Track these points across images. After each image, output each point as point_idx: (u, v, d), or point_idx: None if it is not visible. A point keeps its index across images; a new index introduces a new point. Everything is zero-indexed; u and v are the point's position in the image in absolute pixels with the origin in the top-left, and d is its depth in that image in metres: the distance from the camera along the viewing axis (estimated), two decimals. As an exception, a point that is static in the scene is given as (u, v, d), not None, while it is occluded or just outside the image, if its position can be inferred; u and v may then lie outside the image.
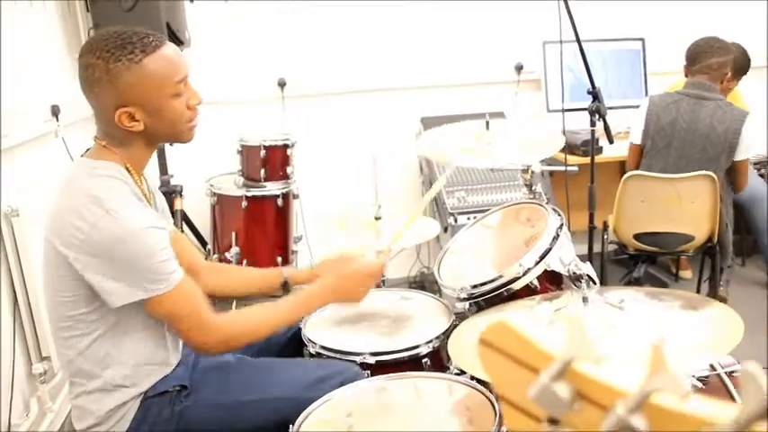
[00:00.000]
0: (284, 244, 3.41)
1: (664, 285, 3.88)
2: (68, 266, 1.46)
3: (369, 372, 1.79)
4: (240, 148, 3.31)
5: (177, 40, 3.29)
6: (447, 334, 1.91)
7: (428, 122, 3.80)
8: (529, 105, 4.03)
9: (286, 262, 3.40)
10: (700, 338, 1.42)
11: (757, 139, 3.23)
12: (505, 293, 1.83)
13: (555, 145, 2.16)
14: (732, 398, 1.65)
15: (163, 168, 3.51)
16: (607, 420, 0.49)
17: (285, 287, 2.00)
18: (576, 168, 2.48)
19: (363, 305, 2.07)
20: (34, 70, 2.79)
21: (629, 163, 3.30)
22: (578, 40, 2.41)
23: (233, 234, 3.30)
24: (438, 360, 1.90)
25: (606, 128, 2.55)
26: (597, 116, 2.52)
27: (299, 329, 1.97)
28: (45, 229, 1.51)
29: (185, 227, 3.48)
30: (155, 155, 3.37)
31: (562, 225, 1.89)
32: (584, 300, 1.53)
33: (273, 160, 3.27)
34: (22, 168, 2.58)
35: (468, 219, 3.19)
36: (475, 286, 1.87)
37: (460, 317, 1.97)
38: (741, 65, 3.52)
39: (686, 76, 3.21)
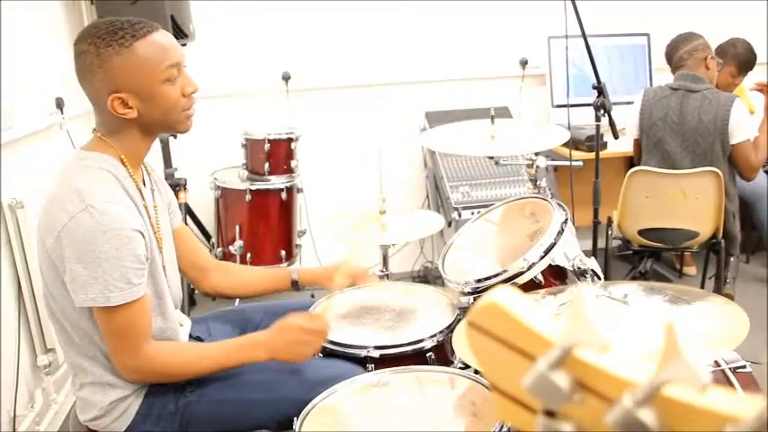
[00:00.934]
0: (288, 238, 3.41)
1: (668, 281, 3.88)
2: (51, 259, 1.46)
3: (373, 365, 1.79)
4: (244, 142, 3.31)
5: (182, 33, 3.29)
6: (451, 328, 1.91)
7: (433, 117, 3.80)
8: (533, 100, 4.02)
9: (290, 256, 3.40)
10: (704, 334, 1.42)
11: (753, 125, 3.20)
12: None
13: (558, 138, 2.16)
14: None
15: (167, 161, 3.51)
16: (611, 414, 0.44)
17: (295, 286, 1.98)
18: (580, 163, 2.48)
19: (368, 299, 2.07)
20: (39, 63, 2.80)
21: (636, 157, 3.32)
22: (584, 36, 2.40)
23: (237, 227, 3.31)
24: (442, 354, 1.90)
25: (611, 123, 2.55)
26: (602, 111, 2.51)
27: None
28: (38, 218, 1.51)
29: (189, 220, 3.49)
30: (158, 147, 3.43)
31: (567, 220, 1.89)
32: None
33: (278, 154, 3.27)
34: (26, 160, 2.59)
35: (473, 213, 3.17)
36: (479, 280, 1.87)
37: (465, 311, 1.96)
38: (745, 60, 3.51)
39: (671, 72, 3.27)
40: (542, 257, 1.80)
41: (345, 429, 1.48)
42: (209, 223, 3.59)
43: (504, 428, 1.41)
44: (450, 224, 3.31)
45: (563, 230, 1.84)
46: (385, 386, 1.62)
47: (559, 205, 1.96)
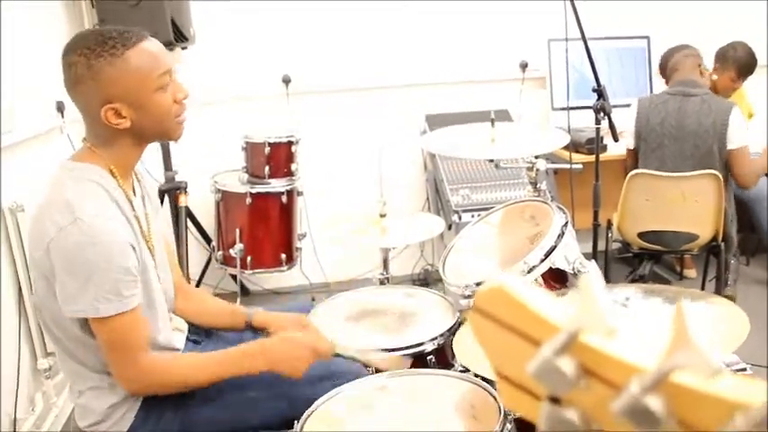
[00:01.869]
0: (288, 241, 3.41)
1: (667, 284, 3.87)
2: (40, 270, 1.45)
3: (373, 368, 1.79)
4: (245, 145, 3.31)
5: (182, 36, 3.29)
6: (452, 331, 1.92)
7: (433, 120, 3.80)
8: (533, 103, 4.03)
9: (290, 259, 3.40)
10: (704, 336, 1.42)
11: (756, 137, 3.23)
12: (510, 291, 1.82)
13: (558, 141, 2.17)
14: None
15: (167, 165, 3.51)
16: (618, 401, 0.43)
17: (249, 327, 1.86)
18: (580, 166, 2.48)
19: (369, 302, 2.07)
20: (39, 66, 2.80)
21: (628, 167, 3.31)
22: (584, 38, 2.41)
23: (237, 231, 3.31)
24: (443, 357, 1.90)
25: (611, 126, 2.55)
26: (602, 114, 2.52)
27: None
28: (28, 230, 1.50)
29: (189, 223, 3.49)
30: (159, 151, 3.43)
31: (567, 223, 1.89)
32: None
33: (278, 157, 3.27)
34: (27, 164, 2.59)
35: (473, 216, 3.18)
36: (479, 284, 1.87)
37: (465, 314, 1.97)
38: (746, 64, 3.51)
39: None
40: (543, 260, 1.81)
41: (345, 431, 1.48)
42: (210, 226, 3.59)
43: (505, 431, 1.41)
44: (450, 227, 3.31)
45: (563, 233, 1.85)
46: (385, 389, 1.62)
47: (560, 208, 1.97)
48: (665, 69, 3.31)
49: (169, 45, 3.21)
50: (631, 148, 3.28)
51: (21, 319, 2.44)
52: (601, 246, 2.85)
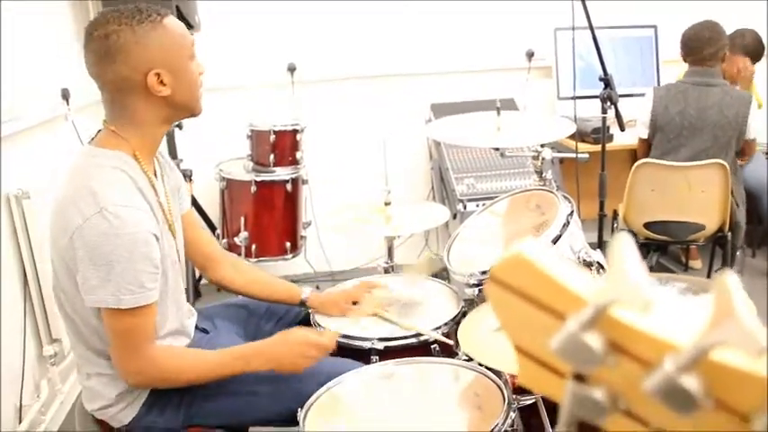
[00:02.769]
0: (293, 229, 3.41)
1: (673, 274, 3.87)
2: (63, 258, 1.46)
3: (377, 357, 1.79)
4: (250, 133, 3.31)
5: (187, 24, 3.27)
6: (456, 320, 1.91)
7: (438, 109, 3.79)
8: (539, 92, 4.01)
9: (295, 248, 3.41)
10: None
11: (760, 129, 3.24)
12: (515, 280, 1.81)
13: (564, 130, 2.16)
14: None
15: (172, 153, 3.51)
16: (651, 380, 0.39)
17: (303, 305, 1.96)
18: (586, 156, 2.47)
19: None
20: (44, 54, 2.80)
21: (640, 156, 3.29)
22: (591, 27, 2.39)
23: (242, 219, 3.31)
24: (447, 346, 1.90)
25: (618, 115, 2.54)
26: (609, 103, 2.50)
27: (309, 314, 1.97)
28: (50, 214, 1.50)
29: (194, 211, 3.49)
30: (164, 139, 3.41)
31: (572, 212, 1.88)
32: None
33: (283, 145, 3.27)
34: (32, 151, 2.59)
35: (478, 205, 3.17)
36: (484, 272, 1.86)
37: (470, 303, 1.96)
38: (754, 50, 3.49)
39: (684, 61, 3.24)
40: (548, 249, 1.80)
41: (349, 421, 1.48)
42: (215, 215, 3.59)
43: (509, 420, 1.41)
44: (455, 216, 3.30)
45: (569, 223, 1.84)
46: (389, 378, 1.62)
47: (565, 197, 1.96)
48: (691, 52, 3.17)
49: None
50: (645, 137, 3.25)
51: (26, 307, 2.45)
52: (606, 236, 2.84)
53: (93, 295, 1.42)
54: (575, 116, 2.55)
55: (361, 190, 3.65)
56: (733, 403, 0.38)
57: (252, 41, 3.75)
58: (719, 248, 3.27)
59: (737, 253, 3.35)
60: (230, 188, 3.37)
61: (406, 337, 1.84)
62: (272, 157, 3.25)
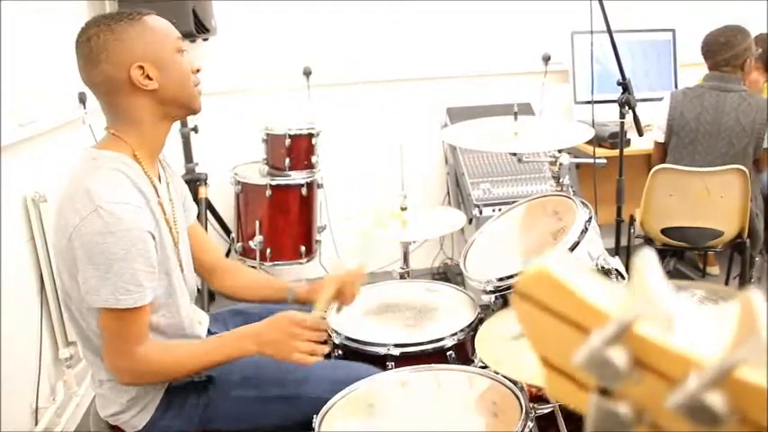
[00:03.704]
0: (308, 233, 3.41)
1: (690, 281, 3.83)
2: (65, 260, 1.46)
3: (393, 363, 1.78)
4: (265, 137, 3.31)
5: (203, 27, 3.29)
6: (472, 326, 1.90)
7: (454, 113, 3.78)
8: (555, 97, 3.98)
9: (310, 252, 3.40)
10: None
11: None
12: (532, 287, 1.80)
13: (582, 135, 2.14)
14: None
15: (188, 156, 3.52)
16: (674, 397, 0.39)
17: (296, 301, 1.87)
18: (604, 161, 2.45)
19: (389, 296, 2.06)
20: (61, 57, 2.81)
21: (654, 161, 3.26)
22: (609, 31, 2.37)
23: (257, 223, 3.31)
24: (463, 353, 1.88)
25: (636, 120, 2.51)
26: (627, 108, 2.48)
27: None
28: (53, 220, 1.51)
29: (209, 215, 3.50)
30: (179, 143, 3.44)
31: (591, 218, 1.87)
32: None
33: (298, 149, 3.27)
34: (49, 155, 2.60)
35: (494, 211, 3.16)
36: (501, 279, 1.85)
37: (486, 309, 1.95)
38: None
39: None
40: (566, 256, 1.78)
41: (365, 427, 1.47)
42: (230, 218, 3.60)
43: (527, 430, 1.39)
44: (470, 221, 3.29)
45: (587, 229, 1.82)
46: (405, 385, 1.61)
47: (583, 203, 1.94)
48: (707, 58, 3.13)
49: (191, 37, 3.22)
50: (661, 141, 3.22)
51: (42, 309, 2.46)
52: (623, 242, 2.81)
53: (94, 295, 1.41)
54: (593, 121, 2.53)
55: (376, 194, 3.66)
56: (756, 419, 0.38)
57: (267, 45, 3.75)
58: (738, 255, 3.23)
59: (757, 259, 3.31)
60: (245, 192, 3.37)
61: (422, 344, 1.83)
62: (287, 161, 3.25)
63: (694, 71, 3.62)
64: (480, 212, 3.29)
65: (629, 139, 3.39)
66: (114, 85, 1.49)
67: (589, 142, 2.30)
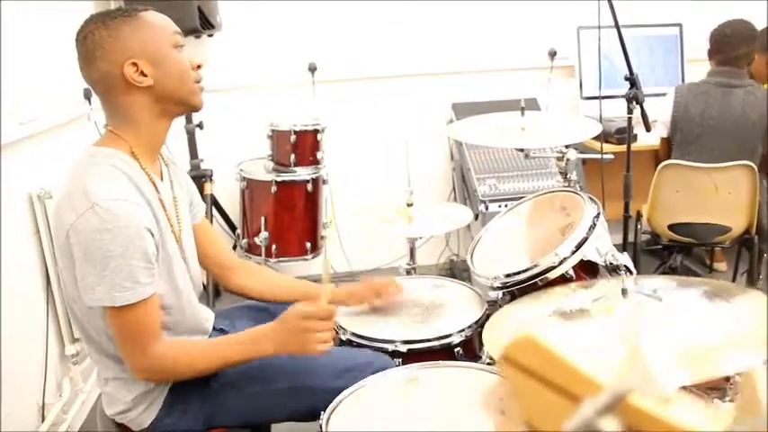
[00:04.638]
0: (313, 229, 3.40)
1: (697, 277, 3.81)
2: (64, 258, 1.45)
3: (400, 360, 1.77)
4: (270, 133, 3.30)
5: (209, 24, 3.29)
6: (479, 323, 1.89)
7: (460, 108, 3.77)
8: (562, 92, 3.97)
9: (315, 248, 3.40)
10: (737, 332, 1.37)
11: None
12: (540, 283, 1.79)
13: (589, 131, 2.13)
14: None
15: (193, 153, 3.52)
16: None
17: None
18: (611, 156, 2.43)
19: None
20: (67, 54, 2.80)
21: (661, 157, 3.24)
22: (617, 25, 2.35)
23: (262, 219, 3.30)
24: (470, 349, 1.88)
25: (644, 115, 2.50)
26: (634, 103, 2.46)
27: None
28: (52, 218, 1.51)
29: (215, 211, 3.50)
30: (184, 139, 3.43)
31: (599, 214, 1.86)
32: (624, 292, 1.49)
33: (303, 145, 3.26)
34: (55, 151, 2.60)
35: (500, 206, 3.15)
36: (509, 275, 1.84)
37: (493, 305, 1.94)
38: None
39: (710, 60, 3.15)
40: (574, 252, 1.77)
41: (372, 424, 1.47)
42: (235, 215, 3.59)
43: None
44: (477, 217, 3.28)
45: (595, 225, 1.81)
46: (413, 381, 1.60)
47: (591, 199, 1.93)
48: (716, 53, 3.09)
49: (195, 32, 3.21)
50: (665, 136, 3.21)
51: (48, 306, 2.46)
52: (630, 238, 2.80)
53: (90, 294, 1.41)
54: (600, 116, 2.52)
55: (381, 190, 3.65)
56: None
57: (273, 41, 3.74)
58: (746, 251, 3.21)
59: (765, 255, 3.30)
60: (251, 188, 3.37)
61: (429, 340, 1.82)
62: (292, 157, 3.24)
63: (701, 66, 3.59)
64: (486, 208, 3.28)
65: (636, 135, 3.38)
66: (110, 82, 1.48)
67: (596, 138, 2.28)
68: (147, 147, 1.54)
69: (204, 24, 3.23)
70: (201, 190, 3.37)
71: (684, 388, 1.50)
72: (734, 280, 3.36)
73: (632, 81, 2.42)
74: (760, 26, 3.48)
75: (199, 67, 1.56)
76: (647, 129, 2.55)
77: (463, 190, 3.68)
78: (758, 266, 3.22)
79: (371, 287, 1.98)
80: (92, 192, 1.38)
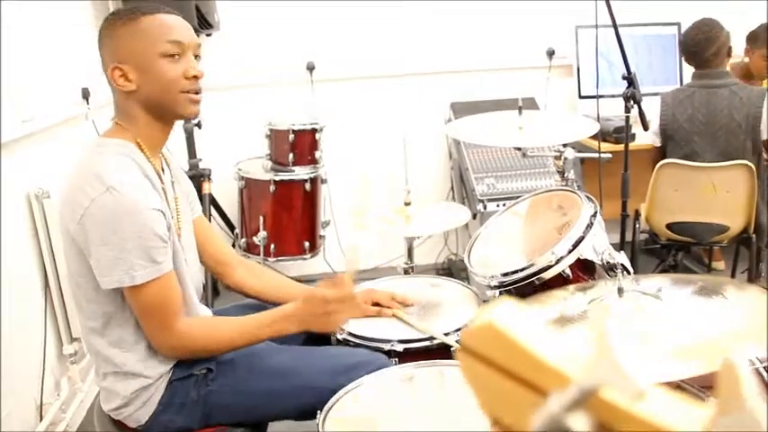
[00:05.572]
0: (312, 229, 3.40)
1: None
2: (76, 245, 1.46)
3: (397, 359, 1.77)
4: (269, 133, 3.30)
5: (206, 23, 3.28)
6: (476, 322, 1.89)
7: (458, 108, 3.77)
8: (560, 91, 3.97)
9: (314, 247, 3.40)
10: (738, 328, 1.37)
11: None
12: (537, 282, 1.79)
13: (587, 130, 2.13)
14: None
15: (191, 152, 3.52)
16: None
17: None
18: (609, 155, 2.43)
19: (393, 291, 2.05)
20: (65, 54, 2.80)
21: (654, 163, 3.23)
22: (615, 25, 2.35)
23: (261, 218, 3.30)
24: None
25: (641, 114, 2.50)
26: (632, 102, 2.46)
27: None
28: (58, 206, 1.52)
29: (213, 211, 3.50)
30: (183, 138, 3.43)
31: (596, 213, 1.86)
32: (620, 291, 1.49)
33: (302, 144, 3.26)
34: (53, 151, 2.60)
35: (498, 206, 3.15)
36: (506, 274, 1.84)
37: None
38: None
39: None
40: (571, 251, 1.77)
41: (368, 424, 1.47)
42: (233, 214, 3.59)
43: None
44: (475, 216, 3.28)
45: (592, 224, 1.81)
46: (409, 380, 1.60)
47: (588, 198, 1.93)
48: (690, 60, 3.11)
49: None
50: (658, 145, 3.20)
51: (47, 305, 2.46)
52: (628, 237, 2.80)
53: (107, 276, 1.43)
54: (597, 115, 2.52)
55: (379, 189, 3.65)
56: None
57: (271, 40, 3.75)
58: (745, 249, 3.21)
59: (764, 253, 3.30)
60: (249, 187, 3.37)
61: (425, 339, 1.82)
62: (291, 156, 3.24)
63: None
64: (484, 207, 3.28)
65: (634, 134, 3.38)
66: (109, 81, 1.54)
67: (594, 137, 2.28)
68: (148, 143, 1.56)
69: (202, 24, 3.23)
70: (200, 189, 3.37)
71: (678, 387, 1.51)
72: (732, 278, 3.36)
73: (630, 80, 2.42)
74: (755, 22, 3.49)
75: (194, 77, 1.54)
76: (645, 128, 2.56)
77: (461, 189, 3.68)
78: (757, 265, 3.22)
79: (371, 299, 1.98)
80: (106, 176, 1.41)
